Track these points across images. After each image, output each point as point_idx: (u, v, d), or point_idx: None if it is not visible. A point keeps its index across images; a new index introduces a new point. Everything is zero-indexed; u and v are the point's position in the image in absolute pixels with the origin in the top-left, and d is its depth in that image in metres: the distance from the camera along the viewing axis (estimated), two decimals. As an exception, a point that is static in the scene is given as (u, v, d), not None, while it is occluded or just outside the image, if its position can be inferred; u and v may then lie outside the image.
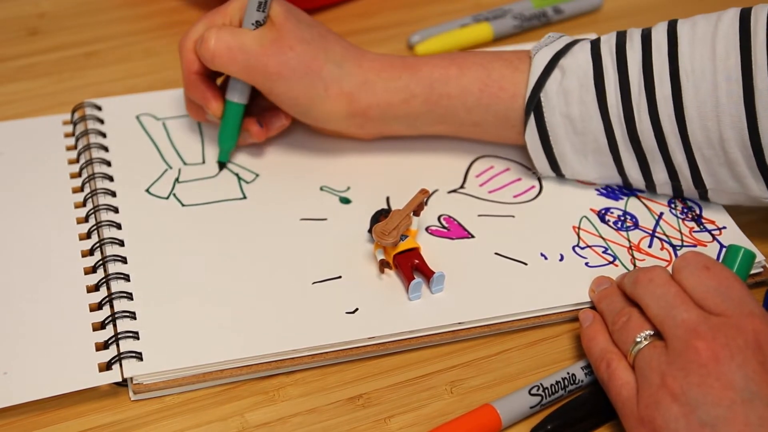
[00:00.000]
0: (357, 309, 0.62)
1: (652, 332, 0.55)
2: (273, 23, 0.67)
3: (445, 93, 0.68)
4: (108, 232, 0.66)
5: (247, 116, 0.71)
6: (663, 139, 0.65)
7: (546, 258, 0.66)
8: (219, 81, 0.73)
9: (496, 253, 0.66)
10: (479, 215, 0.69)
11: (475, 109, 0.68)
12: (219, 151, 0.72)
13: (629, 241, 0.67)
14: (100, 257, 0.65)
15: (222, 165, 0.72)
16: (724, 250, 0.65)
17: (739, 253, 0.62)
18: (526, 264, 0.65)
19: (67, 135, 0.75)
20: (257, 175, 0.72)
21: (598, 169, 0.68)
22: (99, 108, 0.76)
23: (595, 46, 0.67)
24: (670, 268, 0.64)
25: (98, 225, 0.67)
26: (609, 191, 0.71)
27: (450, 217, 0.69)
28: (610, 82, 0.65)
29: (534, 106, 0.67)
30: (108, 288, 0.63)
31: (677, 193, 0.69)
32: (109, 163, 0.72)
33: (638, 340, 0.55)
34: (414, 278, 0.62)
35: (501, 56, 0.69)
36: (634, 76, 0.65)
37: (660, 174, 0.67)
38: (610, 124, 0.66)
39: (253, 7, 0.67)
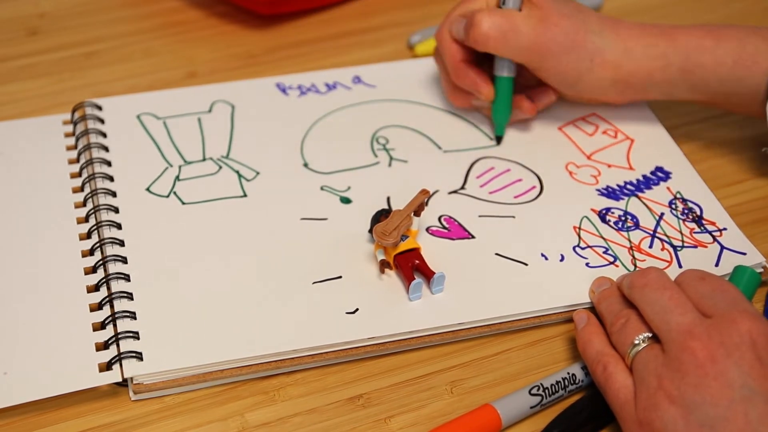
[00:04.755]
0: (357, 309, 0.62)
1: (650, 335, 0.55)
2: (533, 2, 0.70)
3: (699, 63, 0.69)
4: (108, 232, 0.66)
5: (515, 94, 0.74)
6: None
7: (546, 258, 0.66)
8: None
9: (497, 254, 0.66)
10: (480, 216, 0.69)
11: (728, 81, 0.69)
12: (495, 126, 0.75)
13: (630, 241, 0.67)
14: (100, 257, 0.65)
15: (499, 139, 0.75)
16: (731, 270, 0.65)
17: (745, 274, 0.62)
18: (526, 264, 0.65)
19: (67, 135, 0.75)
20: (258, 173, 0.72)
21: None
22: (99, 108, 0.76)
23: None
24: (668, 272, 0.64)
25: (98, 225, 0.66)
26: (610, 191, 0.71)
27: (450, 217, 0.69)
28: None
29: None
30: (108, 288, 0.63)
31: None
32: (109, 163, 0.72)
33: (636, 342, 0.55)
34: (414, 278, 0.62)
35: (757, 31, 0.70)
36: None
37: None
38: None
39: None
